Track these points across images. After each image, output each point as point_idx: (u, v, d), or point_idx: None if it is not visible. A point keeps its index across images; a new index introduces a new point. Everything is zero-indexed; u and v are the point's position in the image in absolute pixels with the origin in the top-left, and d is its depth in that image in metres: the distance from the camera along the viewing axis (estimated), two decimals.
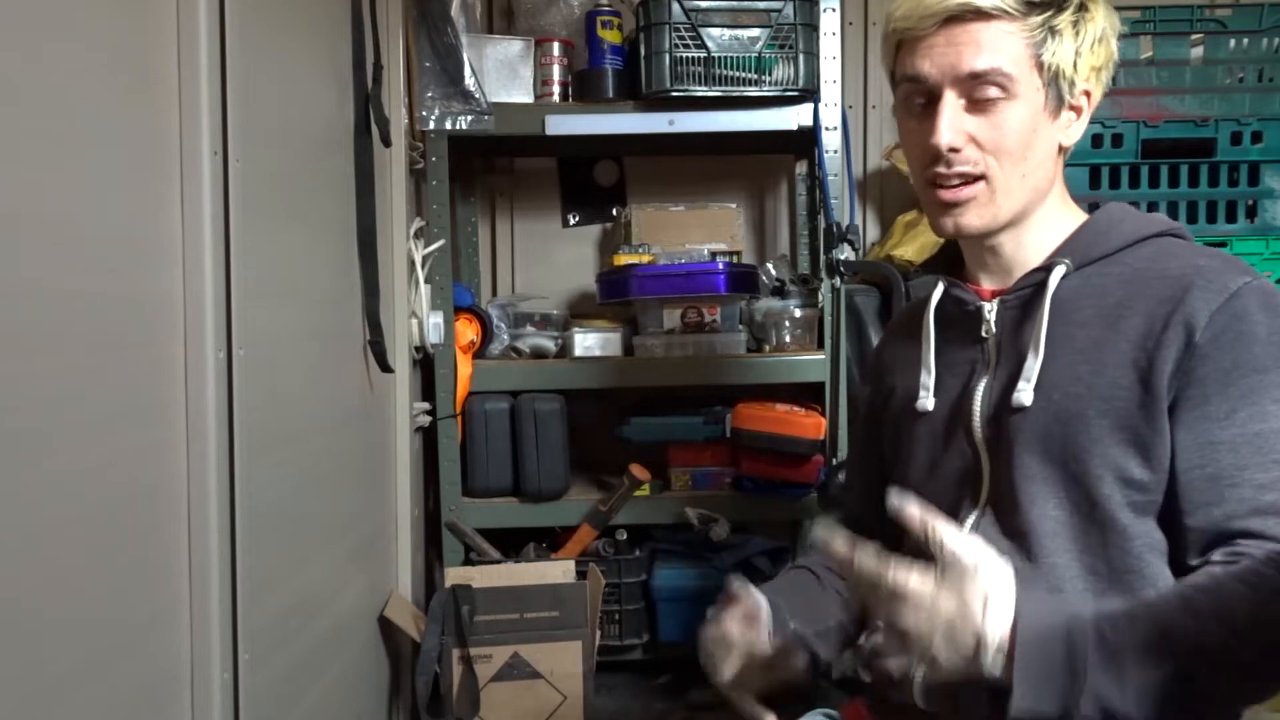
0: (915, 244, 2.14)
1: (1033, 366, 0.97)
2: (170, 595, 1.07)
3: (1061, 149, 1.02)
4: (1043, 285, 0.99)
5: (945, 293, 1.08)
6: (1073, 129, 1.01)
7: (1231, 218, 1.93)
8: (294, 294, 1.39)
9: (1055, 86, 0.98)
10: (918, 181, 1.03)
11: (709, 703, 2.05)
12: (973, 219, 1.00)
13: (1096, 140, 1.91)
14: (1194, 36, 1.94)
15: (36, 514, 0.84)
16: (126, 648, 0.98)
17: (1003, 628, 0.81)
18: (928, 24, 0.97)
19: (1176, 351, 0.90)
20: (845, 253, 2.05)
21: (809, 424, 2.04)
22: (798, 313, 2.16)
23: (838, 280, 2.05)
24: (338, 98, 1.59)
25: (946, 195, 0.99)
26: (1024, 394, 0.96)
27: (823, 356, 2.09)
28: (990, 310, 1.03)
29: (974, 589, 0.82)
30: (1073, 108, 1.00)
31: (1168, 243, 0.99)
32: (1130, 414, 0.92)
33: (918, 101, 1.00)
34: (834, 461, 2.05)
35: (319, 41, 1.52)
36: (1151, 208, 1.91)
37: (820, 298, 2.12)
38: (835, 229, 2.03)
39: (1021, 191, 0.99)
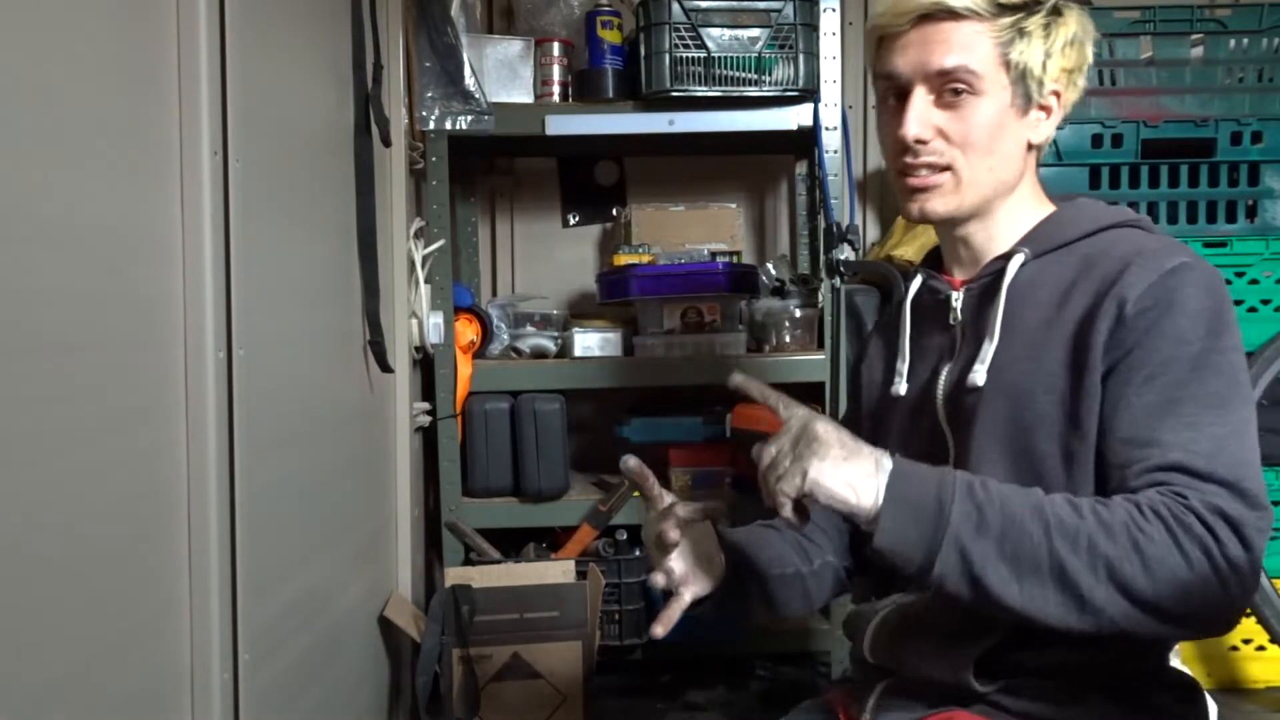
0: (915, 244, 2.14)
1: (988, 349, 1.01)
2: (170, 595, 1.07)
3: (1031, 146, 1.05)
4: (1002, 273, 1.03)
5: (923, 284, 1.12)
6: (1041, 127, 1.04)
7: (1231, 218, 1.93)
8: (294, 294, 1.39)
9: (1023, 85, 1.01)
10: (890, 171, 1.07)
11: (709, 703, 2.05)
12: (937, 205, 1.03)
13: (1096, 140, 1.91)
14: (1194, 36, 1.95)
15: (36, 514, 0.84)
16: (126, 648, 0.97)
17: (879, 453, 0.86)
18: (902, 22, 1.01)
19: (1108, 325, 0.93)
20: (845, 253, 2.05)
21: None
22: (798, 313, 2.16)
23: (838, 280, 2.05)
24: (338, 98, 1.59)
25: (914, 182, 1.03)
26: (978, 375, 1.00)
27: (823, 356, 2.09)
28: (957, 299, 1.07)
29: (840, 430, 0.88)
30: (1042, 107, 1.03)
31: (1124, 232, 1.02)
32: (1069, 391, 0.95)
33: (891, 97, 1.04)
34: None
35: (319, 41, 1.52)
36: (1151, 207, 1.92)
37: (820, 298, 2.12)
38: (835, 229, 2.03)
39: (987, 183, 1.03)
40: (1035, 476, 0.95)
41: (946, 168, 1.02)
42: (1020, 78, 1.00)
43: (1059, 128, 1.07)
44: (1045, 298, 1.00)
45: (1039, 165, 1.09)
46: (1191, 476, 0.86)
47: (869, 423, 1.17)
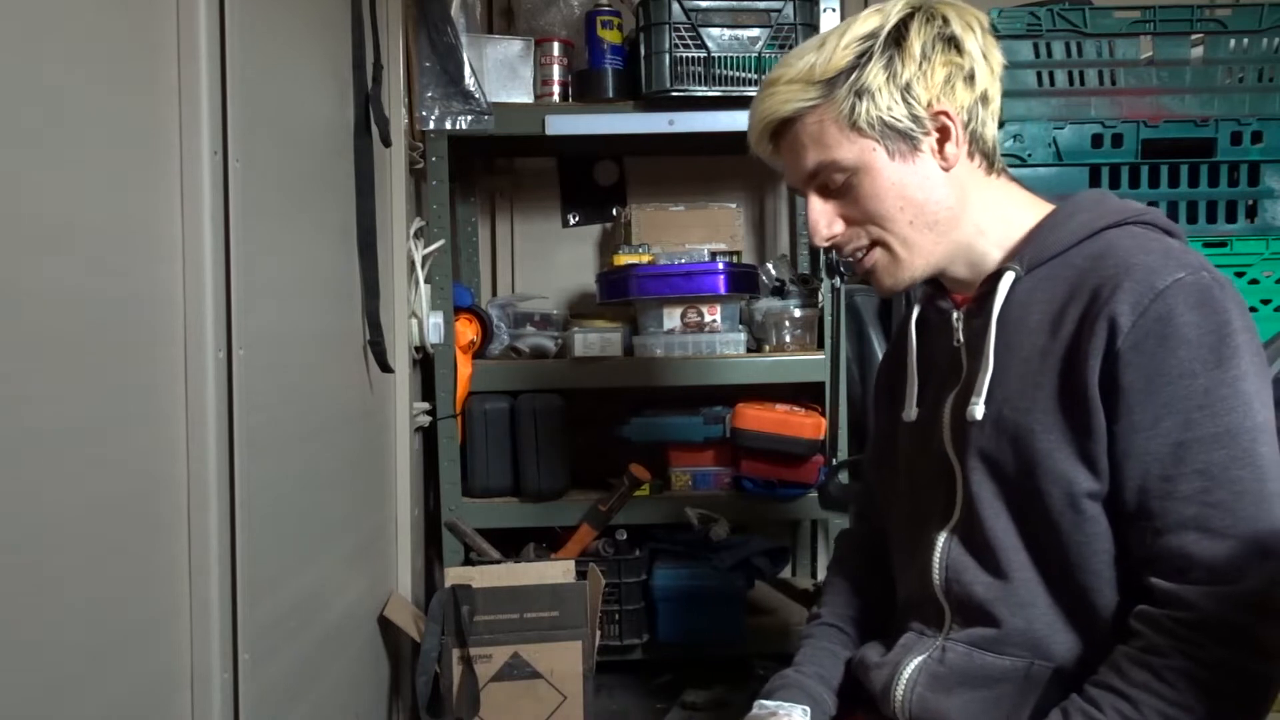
0: None
1: (983, 380, 0.96)
2: (170, 595, 1.07)
3: (948, 169, 0.98)
4: (992, 294, 0.97)
5: (927, 301, 1.09)
6: (947, 149, 0.97)
7: (1231, 218, 1.93)
8: (294, 294, 1.39)
9: (893, 134, 0.96)
10: None
11: (709, 703, 2.05)
12: (885, 280, 1.02)
13: (1096, 140, 1.91)
14: (1194, 36, 1.94)
15: (36, 514, 0.84)
16: (126, 648, 0.97)
17: None
18: (764, 147, 1.04)
19: (1100, 357, 0.88)
20: None
21: (809, 424, 2.04)
22: (798, 313, 2.16)
23: (838, 280, 2.05)
24: (338, 98, 1.59)
25: (859, 268, 1.03)
26: (975, 408, 0.96)
27: (822, 356, 2.09)
28: (959, 318, 1.03)
29: None
30: (935, 130, 0.97)
31: (1119, 236, 0.94)
32: (1071, 424, 0.90)
33: (803, 201, 1.05)
34: (834, 461, 2.05)
35: (319, 41, 1.52)
36: (1152, 207, 1.91)
37: (820, 298, 2.12)
38: None
39: (922, 237, 0.99)
40: (1039, 513, 0.92)
41: (874, 243, 1.00)
42: (886, 131, 0.95)
43: (1001, 123, 1.04)
44: (1038, 321, 0.94)
45: (993, 166, 1.01)
46: (1202, 577, 0.84)
47: (884, 439, 1.15)
